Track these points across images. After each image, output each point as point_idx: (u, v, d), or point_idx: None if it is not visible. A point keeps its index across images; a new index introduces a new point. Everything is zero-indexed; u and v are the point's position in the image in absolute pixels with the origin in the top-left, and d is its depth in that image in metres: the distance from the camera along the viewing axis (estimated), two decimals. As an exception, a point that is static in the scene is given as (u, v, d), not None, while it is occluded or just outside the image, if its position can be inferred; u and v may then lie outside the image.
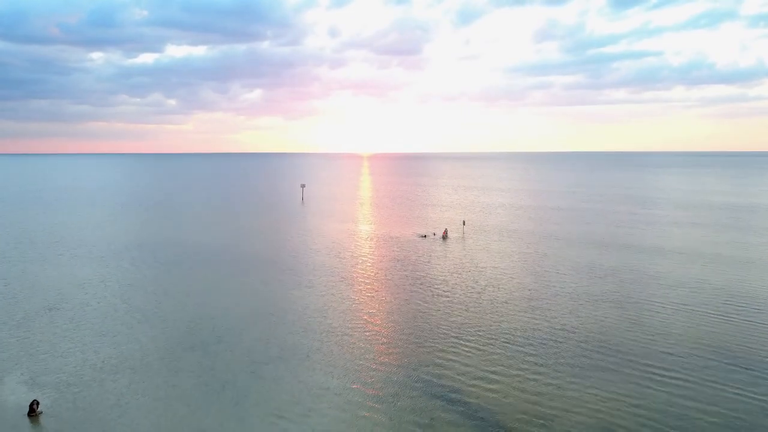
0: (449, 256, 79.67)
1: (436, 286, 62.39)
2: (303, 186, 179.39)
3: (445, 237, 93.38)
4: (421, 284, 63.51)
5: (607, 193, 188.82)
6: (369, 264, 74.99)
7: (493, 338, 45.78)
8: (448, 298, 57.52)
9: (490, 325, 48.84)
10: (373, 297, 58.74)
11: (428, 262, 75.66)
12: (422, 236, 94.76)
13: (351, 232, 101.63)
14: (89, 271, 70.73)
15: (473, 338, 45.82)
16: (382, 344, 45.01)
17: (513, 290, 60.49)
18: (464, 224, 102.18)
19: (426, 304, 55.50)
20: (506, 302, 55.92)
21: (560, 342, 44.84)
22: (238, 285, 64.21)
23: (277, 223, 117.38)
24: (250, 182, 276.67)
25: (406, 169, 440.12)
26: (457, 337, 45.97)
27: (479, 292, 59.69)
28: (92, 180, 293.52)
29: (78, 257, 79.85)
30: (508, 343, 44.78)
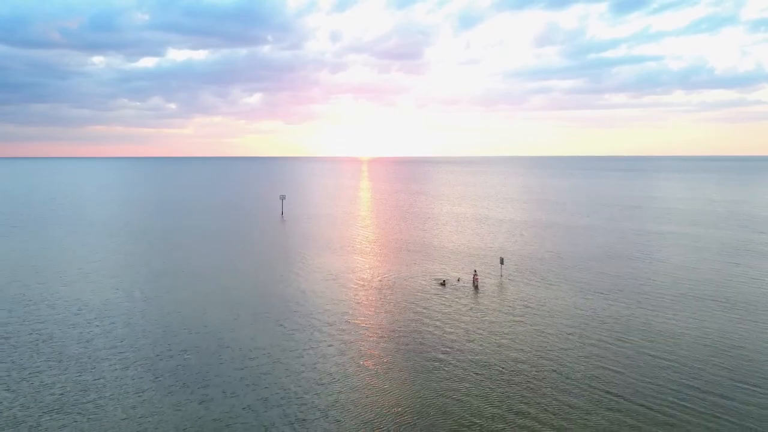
0: (486, 322, 49.37)
1: (470, 400, 32.28)
2: (283, 198, 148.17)
3: (476, 285, 63.03)
4: (443, 391, 33.38)
5: (641, 205, 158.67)
6: (356, 345, 44.77)
7: None
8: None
9: None
10: (355, 422, 28.74)
11: (455, 338, 45.45)
12: (441, 283, 64.44)
13: (335, 274, 71.23)
14: None
15: None
16: None
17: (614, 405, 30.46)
18: (502, 263, 70.02)
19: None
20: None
21: None
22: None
23: (239, 253, 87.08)
24: (238, 189, 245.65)
25: (407, 174, 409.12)
26: None
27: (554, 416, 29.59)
28: (53, 188, 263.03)
29: None
30: None
